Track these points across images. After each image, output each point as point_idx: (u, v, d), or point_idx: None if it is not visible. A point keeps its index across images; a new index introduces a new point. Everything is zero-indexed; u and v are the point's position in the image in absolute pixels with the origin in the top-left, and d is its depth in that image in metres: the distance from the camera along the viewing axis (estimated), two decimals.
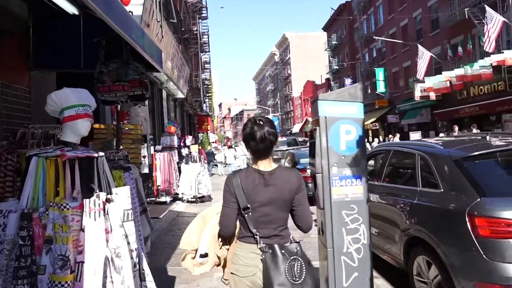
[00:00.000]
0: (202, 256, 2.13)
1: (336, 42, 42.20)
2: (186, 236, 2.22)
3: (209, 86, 36.72)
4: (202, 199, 9.98)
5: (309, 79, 55.33)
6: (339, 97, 2.57)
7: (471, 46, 18.79)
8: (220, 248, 2.10)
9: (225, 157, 22.79)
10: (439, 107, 22.16)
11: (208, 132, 30.17)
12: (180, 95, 15.93)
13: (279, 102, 74.82)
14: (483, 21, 17.69)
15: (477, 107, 18.40)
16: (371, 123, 30.45)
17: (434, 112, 22.56)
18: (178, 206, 9.65)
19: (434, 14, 23.67)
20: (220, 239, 2.09)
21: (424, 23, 24.92)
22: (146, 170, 9.24)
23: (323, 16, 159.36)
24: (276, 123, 63.87)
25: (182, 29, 23.01)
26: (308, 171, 8.82)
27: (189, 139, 12.99)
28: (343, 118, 2.46)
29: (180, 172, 10.19)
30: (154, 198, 9.61)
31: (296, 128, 58.04)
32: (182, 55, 16.97)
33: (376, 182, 4.49)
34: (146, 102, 10.87)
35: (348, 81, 36.98)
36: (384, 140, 23.00)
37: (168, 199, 9.71)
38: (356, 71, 35.55)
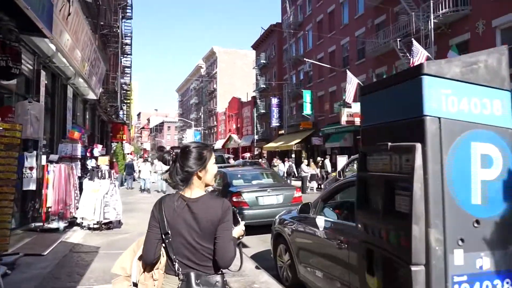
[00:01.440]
0: (134, 284, 1.99)
1: (264, 61, 42.40)
2: (120, 259, 2.09)
3: (128, 92, 33.61)
4: (108, 225, 7.89)
5: (235, 96, 54.86)
6: (469, 74, 1.18)
7: None
8: (145, 278, 1.99)
9: (139, 171, 20.30)
10: None
11: (124, 142, 27.14)
12: (91, 95, 13.49)
13: (202, 116, 73.01)
14: (407, 54, 18.66)
15: None
16: (295, 144, 30.50)
17: (358, 137, 23.15)
18: (74, 235, 7.42)
19: (361, 45, 24.74)
20: (143, 268, 1.99)
21: (351, 51, 25.90)
22: (32, 187, 6.94)
23: (252, 34, 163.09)
24: (198, 137, 62.07)
25: (102, 23, 20.35)
26: (244, 196, 7.45)
27: (98, 149, 10.73)
28: (478, 127, 1.09)
29: (82, 190, 8.00)
30: (42, 224, 7.28)
31: (218, 144, 56.76)
32: (99, 51, 14.59)
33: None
34: (42, 98, 8.54)
35: (274, 100, 37.13)
36: (309, 164, 22.79)
37: (61, 225, 7.44)
38: (283, 91, 35.81)
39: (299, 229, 4.39)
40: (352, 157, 12.28)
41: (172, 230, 1.87)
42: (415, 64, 15.43)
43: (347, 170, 11.38)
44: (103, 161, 8.58)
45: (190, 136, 63.56)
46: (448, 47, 16.81)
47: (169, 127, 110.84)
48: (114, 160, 19.26)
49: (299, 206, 4.20)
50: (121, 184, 20.39)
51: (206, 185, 1.99)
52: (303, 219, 4.29)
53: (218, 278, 1.87)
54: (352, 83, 21.25)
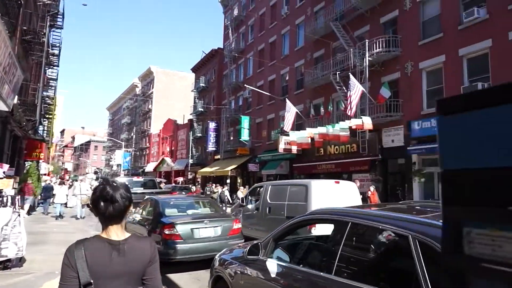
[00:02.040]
0: None
1: (204, 85, 41.87)
2: None
3: (51, 106, 30.55)
4: (6, 264, 6.39)
5: (171, 118, 53.18)
6: None
7: (331, 109, 20.30)
8: None
9: (54, 194, 17.60)
10: (298, 161, 23.05)
11: (40, 161, 24.20)
12: (2, 106, 11.65)
13: (134, 137, 69.42)
14: (343, 87, 19.46)
15: (333, 164, 19.56)
16: (231, 169, 29.90)
17: (294, 165, 23.32)
18: None
19: (300, 76, 25.46)
20: None
21: (290, 81, 26.51)
22: None
23: (192, 57, 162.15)
24: (127, 158, 58.48)
25: (25, 28, 18.29)
26: (177, 228, 6.58)
27: (2, 169, 9.02)
28: None
29: None
30: None
31: (149, 167, 54.03)
32: (18, 57, 12.82)
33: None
34: None
35: (212, 124, 36.50)
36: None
37: None
38: (221, 116, 35.38)
39: (245, 272, 3.70)
40: (254, 185, 12.56)
41: (97, 280, 1.64)
42: (351, 97, 16.01)
43: (251, 199, 11.40)
44: (6, 185, 7.09)
45: (119, 157, 59.74)
46: (380, 84, 17.82)
47: (96, 146, 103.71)
48: (29, 181, 16.81)
49: (248, 248, 3.52)
50: (33, 209, 17.83)
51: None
52: (251, 262, 3.61)
53: None
54: (290, 111, 21.53)
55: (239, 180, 30.76)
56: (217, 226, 7.29)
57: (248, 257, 3.54)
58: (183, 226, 6.99)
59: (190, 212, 8.02)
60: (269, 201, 9.51)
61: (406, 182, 16.71)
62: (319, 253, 3.41)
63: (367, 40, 17.94)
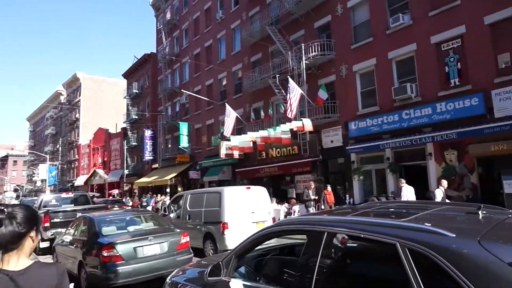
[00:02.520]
0: None
1: (137, 91, 39.88)
2: None
3: None
4: None
5: (102, 127, 49.88)
6: None
7: (271, 112, 20.38)
8: None
9: None
10: (241, 165, 22.79)
11: None
12: None
13: (60, 149, 63.92)
14: (282, 90, 19.65)
15: (276, 167, 19.61)
16: (171, 178, 28.71)
17: (236, 170, 23.00)
18: None
19: (238, 80, 25.29)
20: None
21: (228, 85, 26.22)
22: None
23: (123, 63, 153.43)
24: (53, 173, 53.67)
25: None
26: (118, 248, 5.87)
27: None
28: None
29: None
30: None
31: (80, 181, 50.08)
32: None
33: None
34: None
35: (148, 132, 34.87)
36: None
37: None
38: (158, 123, 33.91)
39: None
40: (175, 195, 13.22)
41: None
42: (291, 100, 16.15)
43: (173, 208, 11.79)
44: None
45: (44, 172, 54.52)
46: (317, 86, 18.29)
47: (15, 161, 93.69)
48: None
49: (209, 268, 3.07)
50: None
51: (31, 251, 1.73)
52: (212, 284, 3.16)
53: None
54: (230, 116, 21.21)
55: (179, 189, 29.62)
56: (163, 242, 6.65)
57: (208, 278, 3.08)
58: (124, 245, 6.25)
59: (131, 228, 7.24)
60: (188, 208, 10.25)
61: (346, 181, 17.28)
62: (291, 269, 3.07)
63: (303, 44, 18.31)
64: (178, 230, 7.23)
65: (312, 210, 13.56)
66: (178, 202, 11.42)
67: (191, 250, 7.12)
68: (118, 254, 6.10)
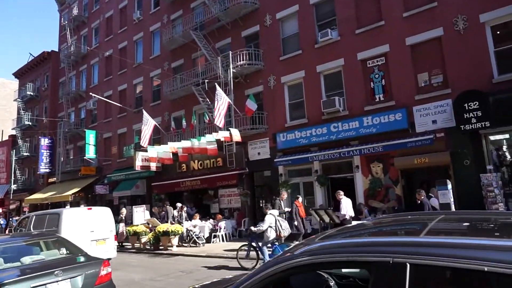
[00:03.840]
0: None
1: (32, 93, 34.65)
2: None
3: None
4: None
5: None
6: None
7: (195, 121, 19.03)
8: None
9: None
10: (157, 179, 20.80)
11: None
12: None
13: None
14: (207, 99, 18.53)
15: (199, 180, 18.21)
16: (73, 194, 25.03)
17: (153, 184, 20.90)
18: None
19: (156, 87, 23.40)
20: None
21: (145, 92, 24.09)
22: None
23: (17, 60, 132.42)
24: None
25: None
26: None
27: None
28: None
29: None
30: None
31: None
32: None
33: None
34: None
35: (44, 141, 30.32)
36: None
37: None
38: (58, 131, 29.64)
39: None
40: (22, 216, 13.32)
41: None
42: (219, 108, 15.15)
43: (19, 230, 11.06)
44: None
45: None
46: (245, 96, 17.62)
47: None
48: None
49: None
50: None
51: None
52: None
53: None
54: (148, 124, 19.27)
55: (82, 206, 25.94)
56: (75, 276, 4.94)
57: None
58: (18, 285, 4.41)
59: (26, 260, 5.30)
60: (32, 230, 10.17)
61: (274, 194, 16.71)
62: None
63: (230, 52, 17.56)
64: (96, 259, 5.54)
65: (296, 223, 12.04)
66: (25, 224, 11.15)
67: (114, 284, 5.49)
68: None
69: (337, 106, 14.47)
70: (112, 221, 11.29)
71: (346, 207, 9.65)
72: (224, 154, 17.32)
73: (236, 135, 15.73)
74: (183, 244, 14.36)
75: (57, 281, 4.73)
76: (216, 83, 16.66)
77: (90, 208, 11.12)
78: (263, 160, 16.85)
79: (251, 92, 17.47)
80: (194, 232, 14.00)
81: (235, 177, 16.70)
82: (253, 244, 9.44)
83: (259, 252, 9.24)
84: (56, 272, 4.76)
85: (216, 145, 16.45)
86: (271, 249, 9.21)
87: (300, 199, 13.37)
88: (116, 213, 24.49)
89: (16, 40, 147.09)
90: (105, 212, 11.19)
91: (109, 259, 7.55)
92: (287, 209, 12.81)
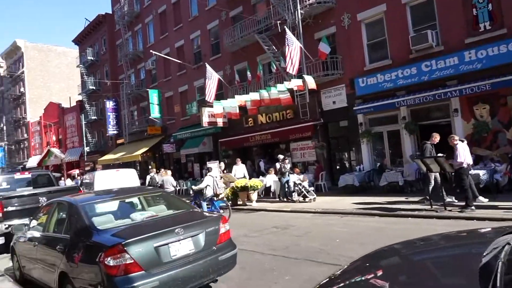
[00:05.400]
0: None
1: (92, 58, 35.35)
2: None
3: None
4: None
5: (53, 101, 44.69)
6: None
7: (261, 72, 17.91)
8: None
9: None
10: (224, 135, 20.34)
11: None
12: None
13: (5, 128, 57.34)
14: (272, 47, 17.19)
15: (269, 135, 17.40)
16: (143, 153, 25.65)
17: (220, 140, 20.53)
18: None
19: (215, 39, 22.35)
20: None
21: (204, 46, 23.19)
22: None
23: (73, 28, 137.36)
24: (0, 155, 48.07)
25: None
26: (131, 250, 3.46)
27: None
28: None
29: None
30: None
31: (32, 162, 44.98)
32: None
33: None
34: None
35: (109, 104, 31.11)
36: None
37: None
38: (120, 93, 30.18)
39: None
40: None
41: None
42: (290, 54, 13.81)
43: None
44: None
45: None
46: (314, 40, 16.07)
47: None
48: None
49: None
50: None
51: None
52: None
53: None
54: (212, 78, 18.49)
55: (151, 165, 26.68)
56: (197, 234, 4.30)
57: None
58: (140, 245, 3.84)
59: (136, 216, 4.78)
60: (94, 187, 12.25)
61: (352, 145, 15.51)
62: None
63: None
64: (214, 215, 4.89)
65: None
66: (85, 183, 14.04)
67: (235, 243, 4.84)
68: (133, 261, 3.70)
69: (430, 41, 12.48)
70: (137, 180, 13.32)
71: (464, 153, 8.23)
72: (295, 105, 16.17)
73: (311, 83, 14.44)
74: (288, 199, 13.16)
75: (179, 240, 4.11)
76: (285, 27, 15.19)
77: (118, 170, 13.87)
78: (338, 109, 15.50)
79: (322, 35, 15.81)
80: (303, 186, 12.71)
81: (310, 128, 15.61)
82: (196, 201, 10.85)
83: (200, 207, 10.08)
84: (176, 230, 4.13)
85: (289, 94, 15.31)
86: (209, 205, 10.64)
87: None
88: (184, 170, 24.94)
89: (71, 7, 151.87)
90: (131, 173, 13.52)
91: None
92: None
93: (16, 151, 54.86)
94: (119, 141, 31.25)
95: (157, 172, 17.21)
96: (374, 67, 14.32)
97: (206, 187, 10.74)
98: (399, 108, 13.44)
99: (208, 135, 21.73)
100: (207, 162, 16.10)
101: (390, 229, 7.79)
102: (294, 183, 12.88)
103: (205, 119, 18.96)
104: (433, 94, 12.14)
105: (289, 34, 14.60)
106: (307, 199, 12.47)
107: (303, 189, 12.54)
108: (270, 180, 14.67)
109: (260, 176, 15.96)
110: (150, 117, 25.53)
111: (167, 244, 4.02)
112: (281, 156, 13.67)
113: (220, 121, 19.29)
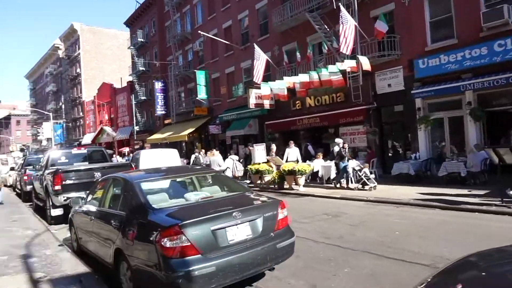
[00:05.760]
0: None
1: (142, 40, 36.19)
2: None
3: None
4: None
5: (106, 81, 46.67)
6: None
7: (311, 52, 17.22)
8: None
9: None
10: (271, 117, 20.00)
11: None
12: None
13: (64, 107, 61.08)
14: (324, 26, 16.39)
15: (318, 118, 16.82)
16: (189, 134, 26.08)
17: (266, 123, 20.25)
18: None
19: (263, 19, 21.81)
20: None
21: (251, 26, 22.75)
22: None
23: (124, 11, 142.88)
24: (59, 131, 51.40)
25: None
26: (189, 232, 3.24)
27: None
28: None
29: None
30: None
31: (87, 139, 47.67)
32: None
33: None
34: None
35: (158, 85, 31.81)
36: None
37: None
38: (168, 74, 30.73)
39: None
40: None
41: None
42: (345, 33, 13.02)
43: None
44: None
45: (48, 130, 52.21)
46: (370, 18, 15.08)
47: (18, 121, 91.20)
48: None
49: None
50: None
51: None
52: None
53: None
54: (260, 59, 18.09)
55: (196, 145, 27.11)
56: (254, 219, 4.05)
57: None
58: (198, 227, 3.65)
59: (190, 196, 4.62)
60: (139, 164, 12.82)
61: (408, 132, 14.56)
62: None
63: None
64: (272, 199, 4.62)
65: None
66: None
67: (293, 231, 4.54)
68: (190, 243, 3.52)
69: (506, 16, 11.15)
70: (178, 160, 13.86)
71: None
72: (347, 87, 15.40)
73: (366, 64, 13.62)
74: (342, 186, 12.47)
75: (236, 225, 3.87)
76: (339, 4, 14.34)
77: (161, 150, 15.26)
78: (394, 93, 14.55)
79: (379, 13, 14.76)
80: (364, 172, 11.90)
81: (363, 112, 14.84)
82: None
83: None
84: (234, 213, 3.90)
85: (341, 76, 14.59)
86: None
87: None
88: (229, 152, 25.02)
89: None
90: (173, 153, 14.02)
91: None
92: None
93: (73, 128, 58.39)
94: (166, 121, 32.03)
95: (205, 153, 17.35)
96: (436, 47, 13.16)
97: (226, 169, 11.17)
98: (464, 93, 12.29)
99: (254, 117, 21.52)
100: (254, 144, 15.85)
101: (455, 223, 7.13)
102: (353, 169, 12.22)
103: (252, 101, 18.71)
104: (507, 77, 10.93)
105: (343, 11, 13.77)
106: (366, 187, 11.70)
107: (362, 176, 11.80)
108: (318, 164, 14.20)
109: (307, 161, 15.51)
110: (197, 98, 25.75)
111: (224, 228, 3.80)
112: (340, 140, 13.05)
113: (267, 103, 18.97)
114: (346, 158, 12.37)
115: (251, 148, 17.48)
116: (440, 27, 13.34)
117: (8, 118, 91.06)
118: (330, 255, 5.49)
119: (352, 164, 12.33)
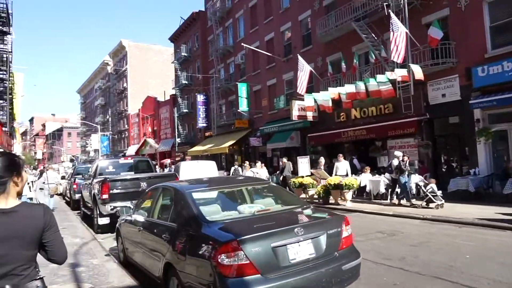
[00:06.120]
0: None
1: (186, 55, 37.19)
2: None
3: (9, 84, 25.66)
4: None
5: (150, 95, 48.37)
6: None
7: (357, 63, 16.65)
8: None
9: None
10: (314, 130, 19.48)
11: None
12: None
13: (110, 119, 64.02)
14: (372, 34, 15.82)
15: (364, 130, 16.10)
16: (229, 146, 26.10)
17: (309, 135, 19.74)
18: None
19: (306, 30, 21.55)
20: None
21: (294, 38, 22.56)
22: None
23: (168, 28, 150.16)
24: (105, 143, 53.69)
25: None
26: (247, 249, 2.87)
27: None
28: None
29: None
30: None
31: (131, 150, 49.38)
32: None
33: None
34: None
35: (200, 97, 32.33)
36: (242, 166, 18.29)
37: None
38: (210, 87, 31.20)
39: None
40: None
41: None
42: (395, 40, 12.41)
43: None
44: None
45: (96, 142, 54.77)
46: (421, 25, 14.33)
47: (69, 133, 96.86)
48: None
49: None
50: None
51: (19, 194, 1.95)
52: None
53: (37, 283, 1.90)
54: (304, 70, 17.78)
55: (236, 157, 27.06)
56: (317, 236, 3.64)
57: None
58: (258, 243, 3.30)
59: (244, 209, 4.30)
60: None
61: (465, 145, 13.49)
62: None
63: None
64: (335, 214, 4.19)
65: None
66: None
67: (358, 251, 4.08)
68: (249, 261, 3.18)
69: None
70: (216, 171, 14.29)
71: None
72: (397, 98, 14.63)
73: (418, 72, 12.86)
74: (400, 203, 11.61)
75: (298, 242, 3.48)
76: (389, 11, 13.76)
77: (198, 162, 15.89)
78: (449, 103, 13.59)
79: (432, 19, 13.99)
80: (429, 188, 10.72)
81: (414, 124, 13.97)
82: None
83: None
84: (296, 229, 3.51)
85: (391, 86, 13.89)
86: None
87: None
88: (270, 165, 24.71)
89: (166, 5, 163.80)
90: (211, 164, 14.50)
91: None
92: None
93: (118, 140, 60.88)
94: (207, 134, 32.38)
95: (241, 165, 17.19)
96: (498, 54, 12.17)
97: None
98: None
99: (296, 130, 21.10)
100: (298, 157, 15.40)
101: None
102: (417, 184, 11.26)
103: (295, 112, 18.35)
104: None
105: (394, 18, 13.17)
106: (432, 205, 10.61)
107: (428, 192, 10.73)
108: (365, 179, 13.49)
109: (353, 175, 14.80)
110: (238, 110, 25.79)
111: (285, 245, 3.42)
112: (399, 153, 12.13)
113: (310, 115, 18.52)
114: (407, 173, 11.36)
115: (285, 161, 17.07)
116: (501, 32, 12.35)
117: (60, 130, 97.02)
118: (395, 279, 4.93)
119: (415, 179, 11.32)
